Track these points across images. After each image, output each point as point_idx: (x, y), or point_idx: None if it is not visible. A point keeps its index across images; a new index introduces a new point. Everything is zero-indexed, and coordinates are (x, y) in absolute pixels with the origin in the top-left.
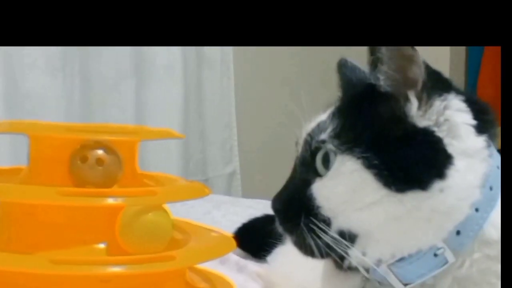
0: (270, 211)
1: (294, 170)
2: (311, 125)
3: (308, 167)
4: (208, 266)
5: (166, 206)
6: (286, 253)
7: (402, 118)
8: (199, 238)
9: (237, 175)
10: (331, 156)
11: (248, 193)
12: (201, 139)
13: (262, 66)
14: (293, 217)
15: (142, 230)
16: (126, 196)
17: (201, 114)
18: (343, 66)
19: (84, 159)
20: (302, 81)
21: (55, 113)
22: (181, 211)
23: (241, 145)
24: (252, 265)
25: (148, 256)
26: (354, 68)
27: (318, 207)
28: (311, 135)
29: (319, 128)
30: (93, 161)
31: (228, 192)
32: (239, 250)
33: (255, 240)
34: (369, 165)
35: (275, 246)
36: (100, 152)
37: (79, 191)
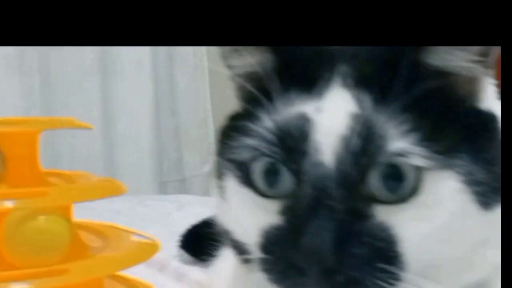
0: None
1: (318, 197)
2: (339, 123)
3: (353, 190)
4: (147, 274)
5: (71, 210)
6: (228, 257)
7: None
8: (118, 244)
9: None
10: (410, 173)
11: None
12: (175, 137)
13: None
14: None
15: (29, 239)
16: (10, 198)
17: (174, 111)
18: None
19: None
20: None
21: (13, 115)
22: (139, 212)
23: None
24: (193, 273)
25: (33, 270)
26: None
27: (397, 250)
28: (360, 140)
29: (377, 128)
30: None
31: (207, 192)
32: (185, 255)
33: (201, 243)
34: (472, 182)
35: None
36: None
37: None
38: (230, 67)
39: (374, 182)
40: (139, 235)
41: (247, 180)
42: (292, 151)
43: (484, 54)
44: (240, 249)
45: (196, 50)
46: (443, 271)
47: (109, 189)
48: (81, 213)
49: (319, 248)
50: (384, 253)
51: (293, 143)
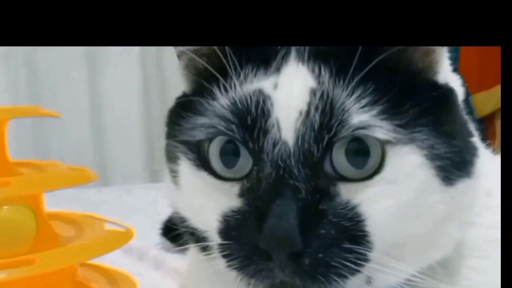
0: None
1: (280, 176)
2: (298, 98)
3: (316, 168)
4: (127, 262)
5: (40, 199)
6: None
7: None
8: (91, 233)
9: None
10: (374, 147)
11: None
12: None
13: None
14: (324, 251)
15: None
16: None
17: (164, 99)
18: None
19: None
20: None
21: None
22: (126, 201)
23: None
24: (171, 260)
25: None
26: None
27: (364, 229)
28: (321, 115)
29: (337, 103)
30: None
31: None
32: (167, 242)
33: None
34: (434, 156)
35: None
36: None
37: None
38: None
39: (338, 158)
40: (114, 223)
41: (202, 162)
42: (251, 129)
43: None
44: (197, 236)
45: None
46: (408, 249)
47: (76, 178)
48: (66, 203)
49: (285, 231)
50: (351, 233)
51: (251, 120)
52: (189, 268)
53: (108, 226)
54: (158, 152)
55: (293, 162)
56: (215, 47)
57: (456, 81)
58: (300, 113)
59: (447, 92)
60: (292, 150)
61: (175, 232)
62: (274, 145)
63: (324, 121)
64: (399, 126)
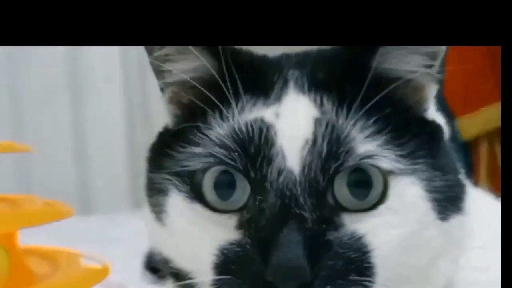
0: None
1: (285, 206)
2: (302, 127)
3: (321, 198)
4: None
5: (14, 237)
6: None
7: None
8: (66, 270)
9: None
10: (377, 178)
11: None
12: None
13: None
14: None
15: None
16: None
17: (149, 126)
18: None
19: None
20: None
21: None
22: (109, 232)
23: None
24: None
25: None
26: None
27: (371, 261)
28: (328, 144)
29: (343, 132)
30: None
31: None
32: (149, 275)
33: None
34: (432, 189)
35: None
36: None
37: None
38: (168, 73)
39: (340, 190)
40: (92, 258)
41: (196, 194)
42: (253, 158)
43: (433, 57)
44: (181, 277)
45: None
46: (404, 286)
47: (51, 214)
48: (47, 232)
49: (294, 261)
50: (358, 264)
51: (255, 149)
52: None
53: (85, 262)
54: (142, 180)
55: (299, 191)
56: (209, 75)
57: (442, 119)
58: (307, 142)
59: (436, 128)
60: (298, 178)
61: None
62: (279, 173)
63: (332, 150)
64: (401, 156)
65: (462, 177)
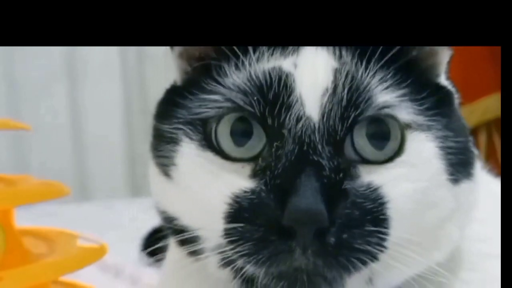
0: None
1: (303, 152)
2: (321, 76)
3: (339, 147)
4: (103, 279)
5: (10, 215)
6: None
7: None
8: (63, 249)
9: None
10: (395, 130)
11: None
12: (148, 139)
13: None
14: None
15: None
16: None
17: (146, 112)
18: None
19: None
20: None
21: None
22: (106, 217)
23: None
24: (147, 276)
25: None
26: None
27: (386, 212)
28: (348, 92)
29: (362, 82)
30: None
31: None
32: (146, 257)
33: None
34: (445, 148)
35: None
36: None
37: None
38: None
39: (359, 140)
40: (89, 239)
41: (208, 142)
42: (271, 104)
43: None
44: (185, 238)
45: (168, 49)
46: (413, 247)
47: (47, 193)
48: (45, 218)
49: (312, 207)
50: (374, 215)
51: (273, 95)
52: (165, 276)
53: (82, 243)
54: (140, 167)
55: (317, 138)
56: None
57: (452, 87)
58: (326, 90)
59: (448, 93)
60: (317, 126)
61: (155, 246)
62: (298, 120)
63: (351, 99)
64: (419, 111)
65: (471, 144)
